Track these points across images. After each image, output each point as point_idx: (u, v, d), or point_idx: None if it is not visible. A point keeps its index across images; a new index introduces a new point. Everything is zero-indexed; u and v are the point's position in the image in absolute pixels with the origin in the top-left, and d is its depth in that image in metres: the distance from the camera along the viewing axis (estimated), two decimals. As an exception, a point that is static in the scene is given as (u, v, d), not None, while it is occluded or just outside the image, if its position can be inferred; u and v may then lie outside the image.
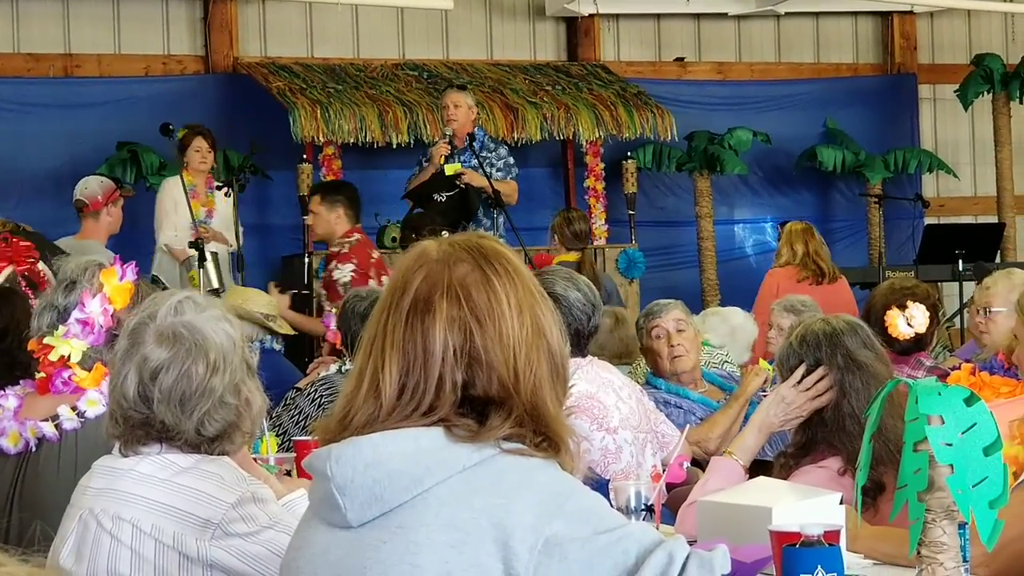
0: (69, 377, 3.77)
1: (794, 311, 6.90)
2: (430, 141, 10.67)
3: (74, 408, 3.71)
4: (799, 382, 4.13)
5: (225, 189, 9.78)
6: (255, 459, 3.81)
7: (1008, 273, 6.31)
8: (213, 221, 9.86)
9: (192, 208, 9.53)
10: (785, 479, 3.92)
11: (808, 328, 4.21)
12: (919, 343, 6.07)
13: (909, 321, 5.90)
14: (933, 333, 6.20)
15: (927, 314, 5.94)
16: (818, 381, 4.11)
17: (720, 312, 7.60)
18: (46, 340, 3.79)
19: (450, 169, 9.85)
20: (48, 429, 3.72)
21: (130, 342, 3.01)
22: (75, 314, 3.76)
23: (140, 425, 2.98)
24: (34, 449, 3.74)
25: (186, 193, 9.51)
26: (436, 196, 9.79)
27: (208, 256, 8.99)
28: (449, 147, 9.92)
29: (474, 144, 10.03)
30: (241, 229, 10.02)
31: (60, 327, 3.77)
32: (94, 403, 3.71)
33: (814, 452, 4.08)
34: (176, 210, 9.39)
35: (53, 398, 3.80)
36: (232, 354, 3.01)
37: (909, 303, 5.93)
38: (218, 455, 3.02)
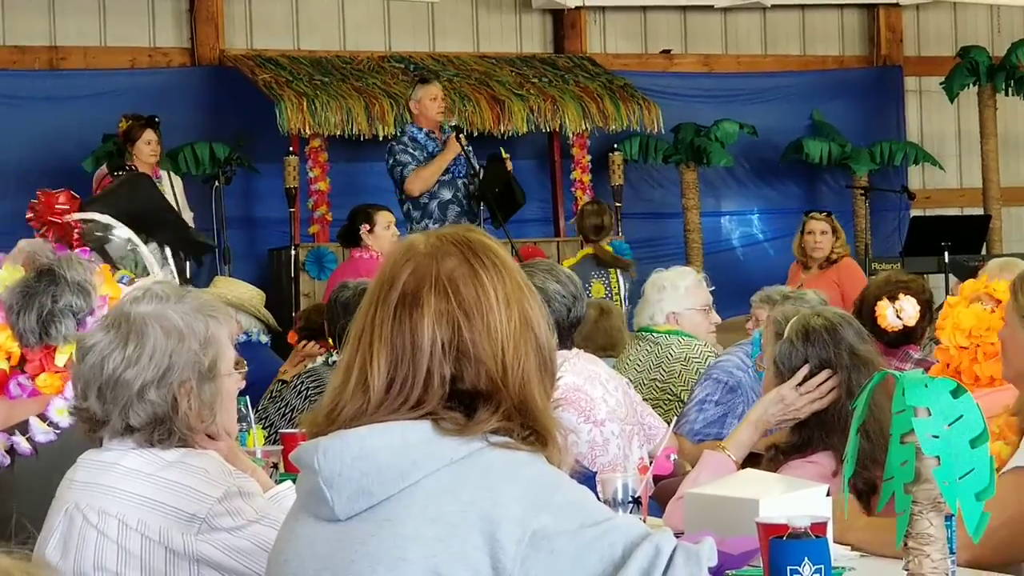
0: (28, 380, 3.71)
1: (770, 301, 6.85)
2: (397, 134, 10.61)
3: (43, 418, 3.66)
4: (800, 384, 4.06)
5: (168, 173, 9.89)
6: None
7: (1013, 262, 6.35)
8: None
9: None
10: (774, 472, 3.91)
11: (806, 323, 4.09)
12: (908, 336, 6.05)
13: (898, 313, 5.90)
14: (924, 328, 6.19)
15: (917, 307, 5.93)
16: (821, 384, 4.04)
17: (646, 299, 7.24)
18: (65, 346, 3.72)
19: (504, 153, 9.87)
20: (22, 444, 3.65)
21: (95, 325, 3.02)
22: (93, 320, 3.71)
23: (84, 420, 2.98)
24: (6, 463, 3.68)
25: None
26: (495, 188, 9.76)
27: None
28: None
29: (460, 136, 10.02)
30: (191, 214, 10.01)
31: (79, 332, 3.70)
32: (62, 411, 3.65)
33: (806, 448, 4.03)
34: None
35: (10, 403, 3.74)
36: (171, 350, 2.94)
37: (900, 295, 5.93)
38: (166, 438, 2.97)
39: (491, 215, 9.70)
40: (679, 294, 6.84)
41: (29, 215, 5.12)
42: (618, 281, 9.54)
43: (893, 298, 5.93)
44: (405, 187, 9.78)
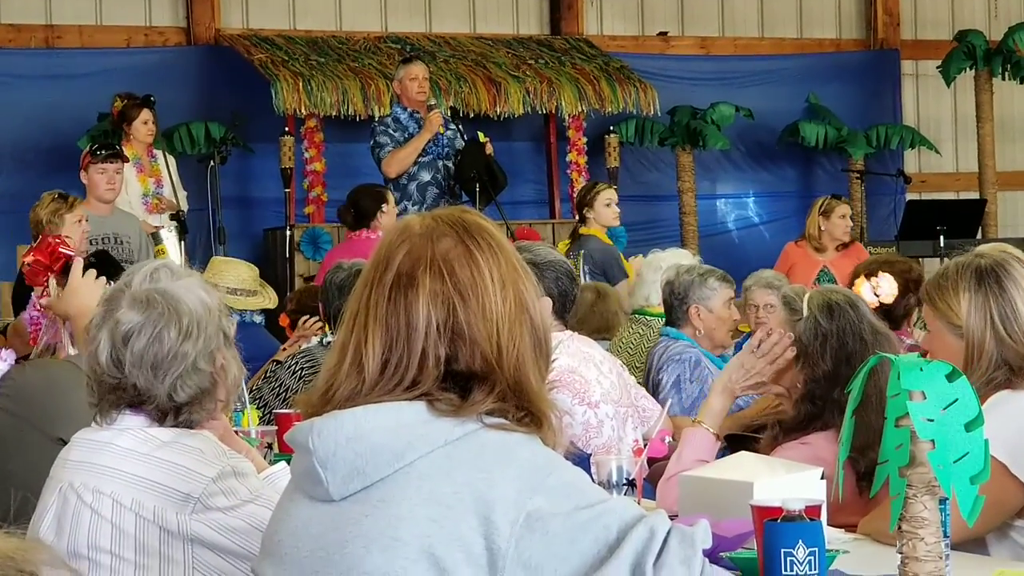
0: None
1: (772, 287, 6.85)
2: (385, 113, 10.61)
3: None
4: (757, 347, 4.07)
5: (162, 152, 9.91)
6: (236, 432, 3.81)
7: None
8: (163, 189, 9.86)
9: (141, 183, 9.57)
10: (769, 453, 3.91)
11: (827, 299, 4.05)
12: (892, 320, 5.98)
13: (875, 290, 5.83)
14: (910, 309, 6.14)
15: (895, 285, 5.86)
16: (775, 344, 4.04)
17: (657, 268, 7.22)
18: None
19: (483, 137, 9.85)
20: None
21: (105, 309, 3.01)
22: None
23: (112, 390, 2.99)
24: None
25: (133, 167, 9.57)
26: (471, 173, 9.75)
27: (173, 231, 9.02)
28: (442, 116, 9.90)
29: (456, 121, 10.04)
30: (185, 194, 10.01)
31: None
32: None
33: (809, 426, 4.00)
34: (127, 187, 9.39)
35: None
36: (206, 321, 3.01)
37: (879, 272, 5.87)
38: (187, 421, 3.01)
39: (471, 198, 9.69)
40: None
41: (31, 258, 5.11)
42: (578, 264, 9.57)
43: (871, 275, 5.88)
44: (382, 169, 9.80)
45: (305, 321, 6.86)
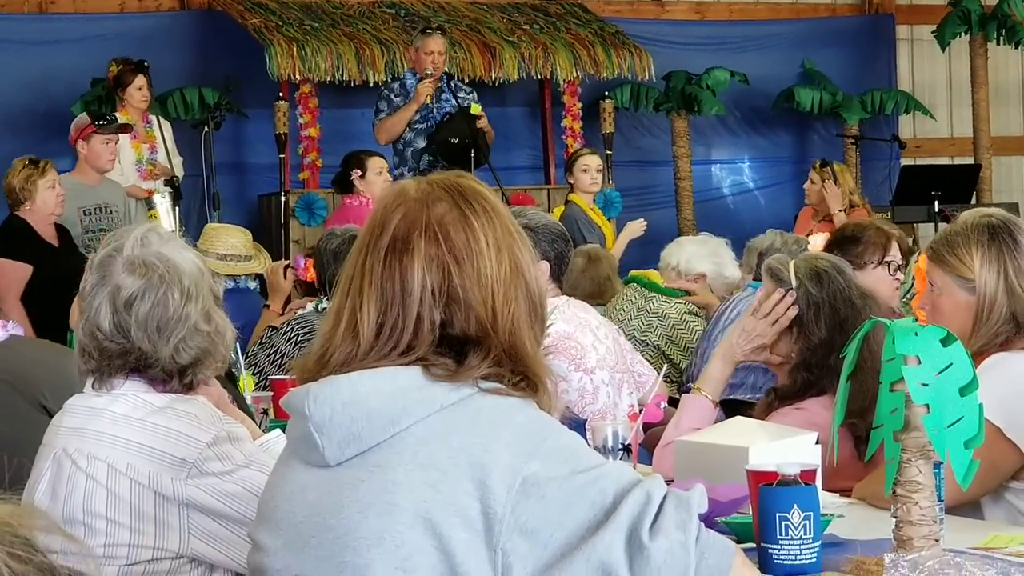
0: None
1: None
2: (395, 77, 10.63)
3: None
4: (756, 310, 4.07)
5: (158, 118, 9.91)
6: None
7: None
8: (157, 155, 9.86)
9: (135, 149, 9.57)
10: (764, 419, 3.90)
11: (814, 266, 4.06)
12: None
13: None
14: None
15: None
16: (777, 303, 4.03)
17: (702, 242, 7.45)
18: None
19: (475, 109, 9.85)
20: None
21: (99, 275, 3.00)
22: None
23: (118, 355, 2.99)
24: None
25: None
26: (452, 139, 9.76)
27: (166, 197, 9.02)
28: (434, 85, 9.90)
29: (452, 84, 10.03)
30: (180, 159, 10.00)
31: None
32: None
33: (805, 394, 3.99)
34: (120, 153, 9.38)
35: None
36: (201, 282, 3.03)
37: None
38: (191, 383, 3.02)
39: (447, 164, 9.68)
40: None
41: None
42: None
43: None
44: (374, 136, 9.84)
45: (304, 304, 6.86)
